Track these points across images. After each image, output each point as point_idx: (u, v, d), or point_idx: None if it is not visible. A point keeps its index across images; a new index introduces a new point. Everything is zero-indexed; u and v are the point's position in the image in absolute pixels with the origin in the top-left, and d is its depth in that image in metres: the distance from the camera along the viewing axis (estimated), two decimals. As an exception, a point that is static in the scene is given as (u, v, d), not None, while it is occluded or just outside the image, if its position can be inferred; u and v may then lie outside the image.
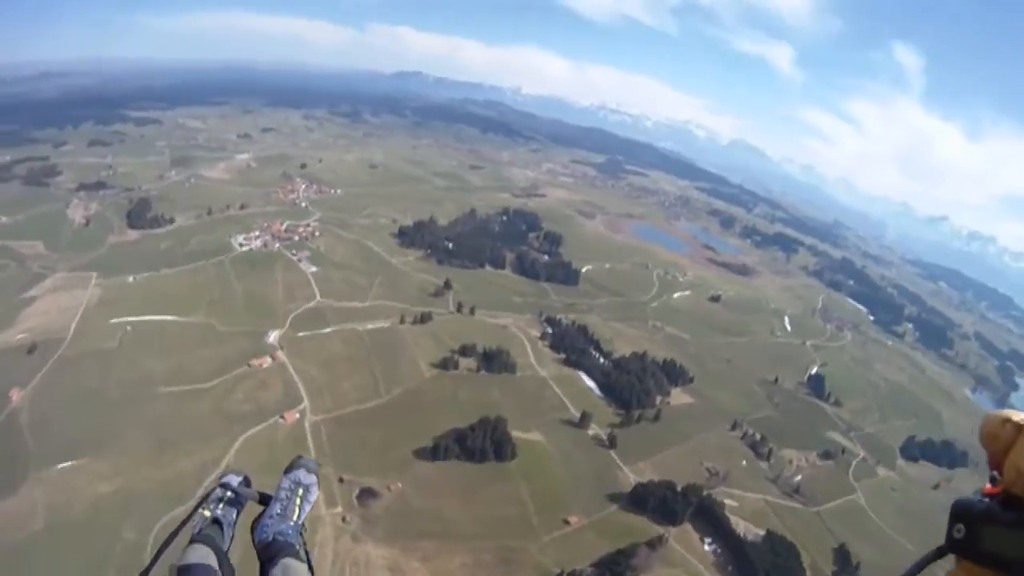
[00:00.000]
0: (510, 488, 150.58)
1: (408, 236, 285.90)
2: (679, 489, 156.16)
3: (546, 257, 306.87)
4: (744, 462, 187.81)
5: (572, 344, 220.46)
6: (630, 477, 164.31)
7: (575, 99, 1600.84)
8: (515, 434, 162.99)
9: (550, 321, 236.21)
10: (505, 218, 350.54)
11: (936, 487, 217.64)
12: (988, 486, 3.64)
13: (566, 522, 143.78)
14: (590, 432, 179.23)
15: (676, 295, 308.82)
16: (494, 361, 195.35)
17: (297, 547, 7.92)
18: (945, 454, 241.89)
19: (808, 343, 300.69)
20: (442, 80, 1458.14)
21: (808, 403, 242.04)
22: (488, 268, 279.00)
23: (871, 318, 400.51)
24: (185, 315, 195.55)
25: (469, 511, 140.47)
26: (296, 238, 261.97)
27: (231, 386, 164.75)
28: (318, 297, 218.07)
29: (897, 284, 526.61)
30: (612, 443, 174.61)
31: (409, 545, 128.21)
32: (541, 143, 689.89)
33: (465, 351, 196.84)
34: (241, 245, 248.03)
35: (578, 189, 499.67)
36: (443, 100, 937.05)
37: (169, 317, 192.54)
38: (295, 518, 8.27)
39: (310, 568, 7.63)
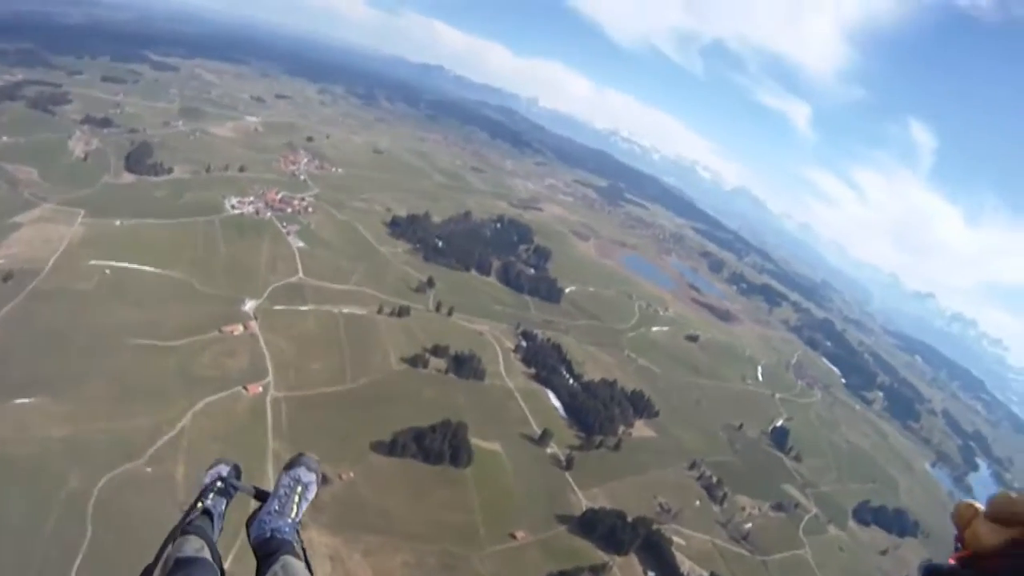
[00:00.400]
0: (462, 494, 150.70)
1: (400, 227, 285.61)
2: (629, 519, 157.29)
3: (533, 271, 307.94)
4: (697, 502, 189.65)
5: (544, 360, 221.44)
6: (582, 501, 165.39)
7: (589, 120, 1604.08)
8: (474, 441, 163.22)
9: (526, 334, 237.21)
10: (499, 225, 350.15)
11: (884, 553, 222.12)
12: (953, 555, 4.13)
13: (512, 536, 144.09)
14: (549, 450, 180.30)
15: (655, 329, 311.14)
16: (464, 365, 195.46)
17: (295, 544, 8.04)
18: (897, 522, 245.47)
19: (777, 395, 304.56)
20: (462, 78, 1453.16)
21: (768, 454, 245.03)
22: (474, 272, 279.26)
23: (843, 381, 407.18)
24: (165, 268, 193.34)
25: (417, 511, 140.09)
26: (289, 210, 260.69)
27: (199, 349, 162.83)
28: (300, 273, 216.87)
29: (874, 352, 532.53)
30: (569, 464, 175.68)
31: (353, 536, 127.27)
32: (547, 157, 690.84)
33: (437, 351, 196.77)
34: (233, 208, 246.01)
35: (576, 209, 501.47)
36: (459, 98, 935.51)
37: (149, 268, 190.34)
38: (293, 515, 8.38)
39: (308, 566, 7.71)
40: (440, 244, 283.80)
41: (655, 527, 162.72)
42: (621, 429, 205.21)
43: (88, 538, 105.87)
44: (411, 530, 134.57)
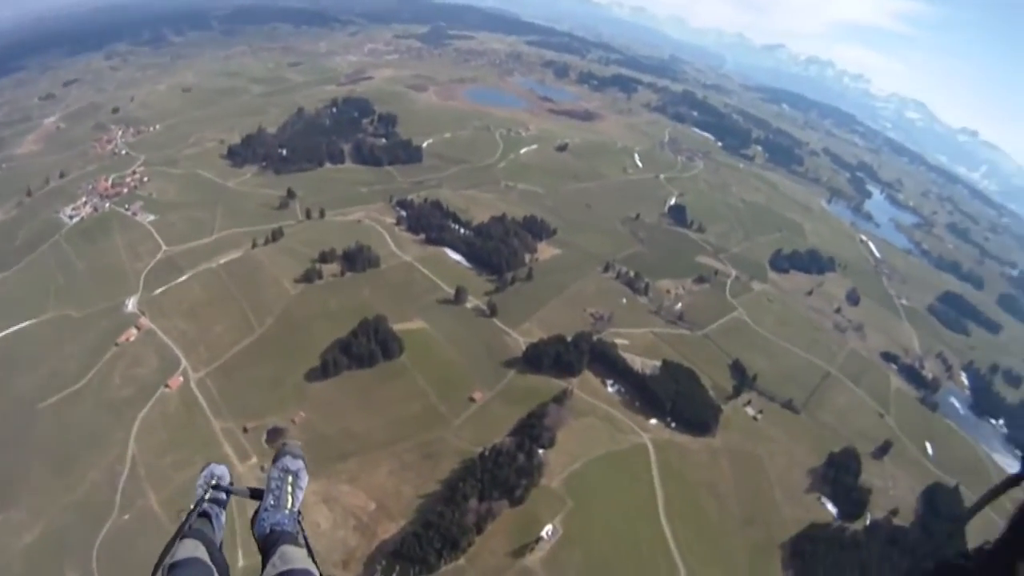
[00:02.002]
0: (408, 384, 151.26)
1: (239, 154, 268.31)
2: (569, 340, 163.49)
3: (384, 140, 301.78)
4: (624, 300, 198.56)
5: (429, 222, 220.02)
6: (519, 340, 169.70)
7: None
8: (397, 328, 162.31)
9: (402, 204, 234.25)
10: (335, 110, 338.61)
11: (809, 293, 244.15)
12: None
13: (471, 400, 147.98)
14: (468, 305, 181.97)
15: (523, 151, 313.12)
16: (356, 260, 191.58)
17: (295, 534, 8.39)
18: (812, 262, 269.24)
19: (662, 176, 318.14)
20: None
21: (673, 233, 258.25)
22: (328, 165, 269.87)
23: (719, 144, 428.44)
24: (37, 316, 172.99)
25: (377, 419, 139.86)
26: (125, 191, 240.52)
27: (106, 373, 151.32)
28: (164, 247, 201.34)
29: (740, 110, 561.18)
30: (493, 311, 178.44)
31: (332, 471, 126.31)
32: (359, 24, 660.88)
33: (325, 257, 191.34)
34: (71, 217, 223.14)
35: (405, 64, 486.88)
36: (249, 1, 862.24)
37: (21, 325, 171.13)
38: (289, 506, 8.71)
39: (309, 552, 8.03)
40: (285, 152, 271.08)
41: (595, 338, 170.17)
42: (527, 258, 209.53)
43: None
44: (379, 438, 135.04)
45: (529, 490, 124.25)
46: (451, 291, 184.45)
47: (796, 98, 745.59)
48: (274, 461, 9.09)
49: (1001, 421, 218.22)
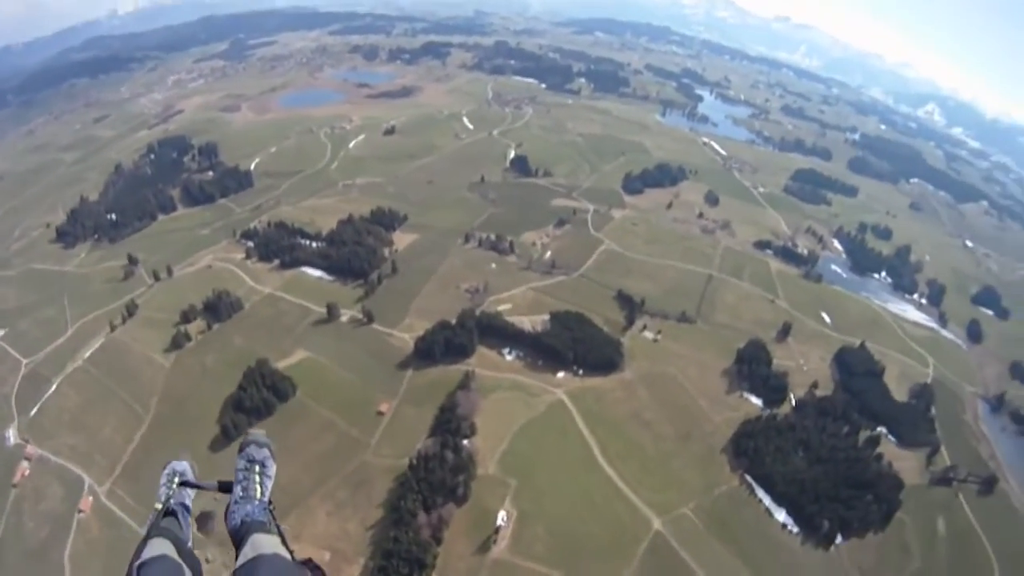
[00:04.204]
0: (313, 420, 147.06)
1: (69, 233, 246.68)
2: (454, 322, 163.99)
3: (211, 173, 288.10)
4: (494, 265, 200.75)
5: (279, 246, 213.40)
6: (405, 338, 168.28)
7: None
8: (282, 366, 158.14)
9: (247, 235, 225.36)
10: (153, 156, 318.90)
11: (669, 206, 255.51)
12: None
13: (380, 414, 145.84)
14: (344, 319, 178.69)
15: (352, 145, 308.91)
16: (218, 309, 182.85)
17: (266, 523, 8.51)
18: (664, 176, 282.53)
19: (495, 132, 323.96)
20: (32, 43, 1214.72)
21: (521, 185, 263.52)
22: (161, 217, 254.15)
23: (543, 86, 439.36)
24: None
25: (296, 466, 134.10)
26: None
27: (16, 523, 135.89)
28: (23, 360, 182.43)
29: (557, 48, 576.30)
30: (370, 317, 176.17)
31: None
32: (157, 58, 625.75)
33: (187, 317, 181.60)
34: None
35: (212, 88, 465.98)
36: (39, 64, 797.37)
37: None
38: (259, 496, 8.88)
39: (282, 539, 8.18)
40: (114, 217, 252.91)
41: (478, 312, 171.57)
42: (387, 253, 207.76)
43: None
44: (306, 484, 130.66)
45: (469, 484, 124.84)
46: (322, 310, 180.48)
47: (608, 23, 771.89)
48: (239, 451, 9.26)
49: (883, 273, 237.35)
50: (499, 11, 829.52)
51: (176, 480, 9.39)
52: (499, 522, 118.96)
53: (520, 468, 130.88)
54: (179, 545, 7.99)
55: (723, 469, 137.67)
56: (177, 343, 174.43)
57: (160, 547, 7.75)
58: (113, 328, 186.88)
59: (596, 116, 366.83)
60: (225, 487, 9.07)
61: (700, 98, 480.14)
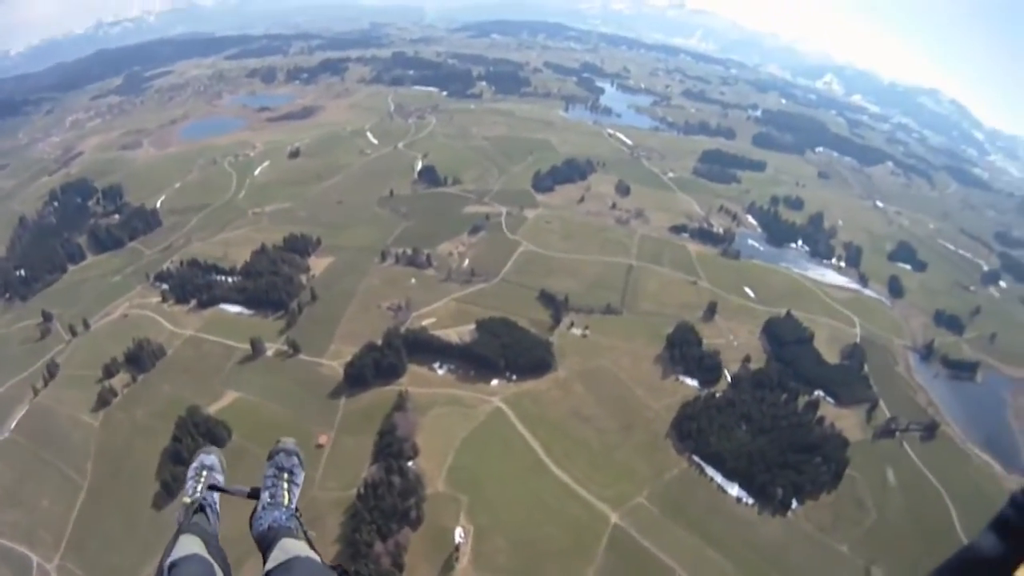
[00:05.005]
0: (252, 463, 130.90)
1: None
2: (380, 344, 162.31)
3: (117, 216, 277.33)
4: (413, 280, 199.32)
5: (194, 285, 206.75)
6: (334, 365, 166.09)
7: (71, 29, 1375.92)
8: (213, 410, 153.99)
9: (160, 277, 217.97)
10: (56, 204, 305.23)
11: (581, 200, 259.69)
12: None
13: (319, 447, 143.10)
14: (270, 353, 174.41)
15: (257, 172, 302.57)
16: (141, 359, 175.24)
17: (293, 529, 8.71)
18: (573, 171, 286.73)
19: (400, 145, 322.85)
20: None
21: (432, 196, 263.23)
22: (72, 268, 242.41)
23: (444, 94, 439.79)
24: None
25: (244, 512, 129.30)
26: None
27: None
28: None
29: (455, 54, 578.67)
30: (296, 348, 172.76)
31: None
32: (53, 99, 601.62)
33: (110, 371, 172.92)
34: None
35: (111, 125, 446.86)
36: None
37: None
38: (286, 503, 9.11)
39: (311, 544, 8.38)
40: (23, 273, 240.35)
41: (403, 329, 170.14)
42: (304, 279, 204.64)
43: None
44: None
45: (420, 506, 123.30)
46: (247, 347, 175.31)
47: (503, 25, 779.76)
48: (269, 459, 9.61)
49: (800, 242, 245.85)
50: (395, 21, 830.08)
51: (204, 475, 9.66)
52: (457, 539, 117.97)
53: (469, 482, 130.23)
54: (208, 541, 8.11)
55: (670, 454, 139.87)
56: (104, 400, 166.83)
57: (190, 545, 7.85)
58: (36, 392, 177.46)
59: (500, 118, 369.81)
60: (254, 494, 9.28)
61: (601, 90, 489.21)
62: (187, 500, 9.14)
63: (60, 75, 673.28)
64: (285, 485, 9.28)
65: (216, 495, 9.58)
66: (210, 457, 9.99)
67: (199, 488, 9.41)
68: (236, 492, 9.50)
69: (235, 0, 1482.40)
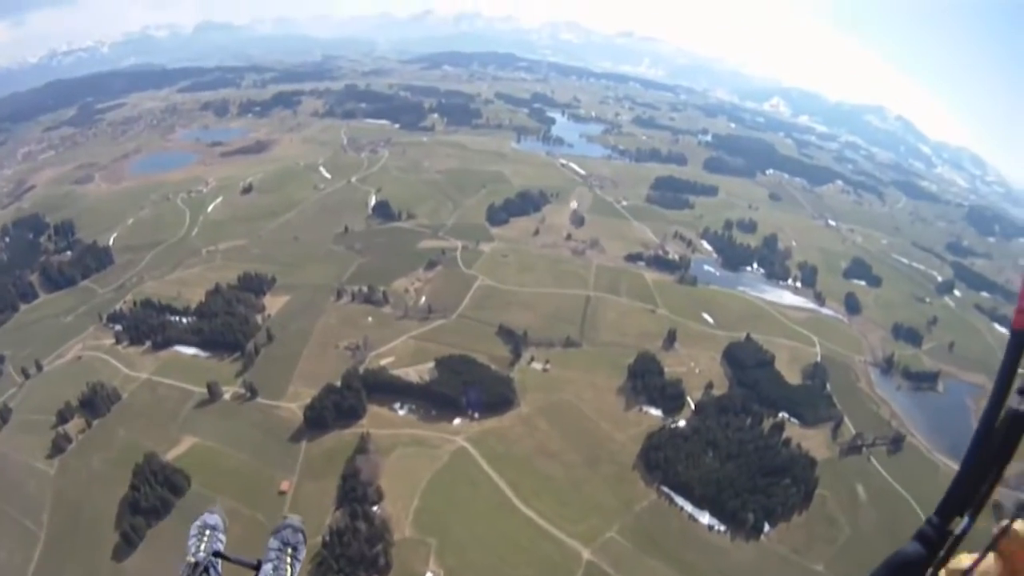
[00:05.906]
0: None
1: None
2: (339, 385, 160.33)
3: (69, 253, 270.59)
4: (370, 319, 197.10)
5: (148, 325, 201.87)
6: (293, 407, 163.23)
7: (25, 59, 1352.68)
8: (171, 457, 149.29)
9: (113, 318, 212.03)
10: (7, 239, 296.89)
11: (536, 233, 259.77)
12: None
13: (282, 494, 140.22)
14: (227, 396, 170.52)
15: (210, 209, 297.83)
16: (95, 403, 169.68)
17: None
18: (527, 203, 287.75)
19: (353, 179, 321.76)
20: None
21: (386, 231, 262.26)
22: (23, 307, 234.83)
23: (397, 126, 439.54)
24: None
25: None
26: None
27: None
28: None
29: (407, 86, 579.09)
30: (253, 391, 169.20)
31: None
32: (6, 130, 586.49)
33: (64, 416, 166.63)
34: None
35: (63, 158, 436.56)
36: None
37: None
38: None
39: None
40: None
41: (362, 370, 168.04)
42: (260, 319, 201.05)
43: None
44: None
45: (388, 552, 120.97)
46: (203, 390, 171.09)
47: (454, 56, 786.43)
48: (274, 533, 9.56)
49: (755, 264, 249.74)
50: (347, 54, 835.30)
51: (208, 535, 9.66)
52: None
53: (437, 525, 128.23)
54: None
55: (638, 485, 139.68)
56: (58, 447, 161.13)
57: None
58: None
59: (452, 151, 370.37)
60: (257, 566, 9.29)
61: (552, 121, 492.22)
62: (190, 559, 9.13)
63: (13, 106, 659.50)
64: (288, 560, 9.31)
65: (219, 560, 9.55)
66: (213, 517, 10.00)
67: (202, 548, 9.41)
68: (240, 562, 9.50)
69: (188, 31, 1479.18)
